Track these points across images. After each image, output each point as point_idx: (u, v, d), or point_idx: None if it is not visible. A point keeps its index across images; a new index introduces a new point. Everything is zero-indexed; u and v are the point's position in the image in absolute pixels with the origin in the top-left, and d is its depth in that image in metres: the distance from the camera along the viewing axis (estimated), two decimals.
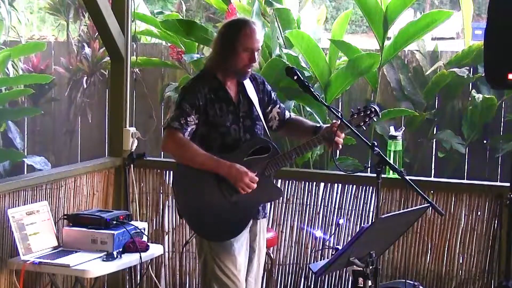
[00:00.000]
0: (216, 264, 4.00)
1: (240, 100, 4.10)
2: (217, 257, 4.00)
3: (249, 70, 4.05)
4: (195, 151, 3.94)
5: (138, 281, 5.55)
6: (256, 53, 4.02)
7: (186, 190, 3.99)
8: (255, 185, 3.97)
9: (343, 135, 4.05)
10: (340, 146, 4.06)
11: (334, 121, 4.08)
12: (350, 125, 3.95)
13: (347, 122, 3.95)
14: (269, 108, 4.25)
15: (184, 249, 5.62)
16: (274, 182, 4.34)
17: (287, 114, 4.33)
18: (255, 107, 4.13)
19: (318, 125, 4.22)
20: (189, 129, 3.97)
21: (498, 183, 6.17)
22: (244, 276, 4.09)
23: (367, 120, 4.06)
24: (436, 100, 7.84)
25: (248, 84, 4.15)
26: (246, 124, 4.10)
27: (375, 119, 4.08)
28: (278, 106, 4.29)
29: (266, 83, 4.28)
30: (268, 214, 4.36)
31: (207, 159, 3.94)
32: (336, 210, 5.44)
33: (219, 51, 4.05)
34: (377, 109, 4.09)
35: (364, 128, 4.09)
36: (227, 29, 4.09)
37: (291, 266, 5.53)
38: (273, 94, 4.29)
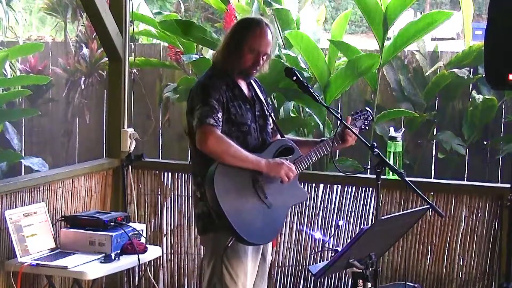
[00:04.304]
0: (227, 271, 3.90)
1: (253, 98, 4.06)
2: (229, 264, 3.90)
3: (253, 72, 3.97)
4: (236, 146, 3.81)
5: (136, 283, 5.52)
6: (263, 56, 3.94)
7: (227, 192, 3.79)
8: (295, 172, 3.91)
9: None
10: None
11: (347, 116, 4.16)
12: (350, 128, 3.99)
13: (349, 125, 4.00)
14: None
15: (183, 250, 5.61)
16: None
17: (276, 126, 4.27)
18: (266, 107, 4.10)
19: (320, 139, 4.22)
20: (221, 125, 3.85)
21: (499, 185, 6.17)
22: (251, 285, 4.01)
23: (366, 124, 4.22)
24: (436, 101, 7.83)
25: (254, 84, 4.12)
26: (260, 123, 4.05)
27: (371, 123, 4.26)
28: (272, 113, 4.24)
29: (264, 88, 4.24)
30: None
31: (248, 155, 3.83)
32: (335, 211, 5.41)
33: (226, 47, 3.98)
34: (370, 112, 4.27)
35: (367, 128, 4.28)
36: (238, 26, 4.05)
37: (290, 267, 5.50)
38: (269, 100, 4.26)
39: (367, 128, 4.28)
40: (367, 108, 4.25)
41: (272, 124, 4.15)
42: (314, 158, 4.07)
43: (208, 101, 3.83)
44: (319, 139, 4.22)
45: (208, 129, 3.78)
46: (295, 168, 3.97)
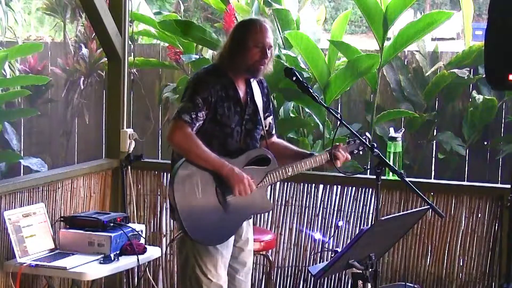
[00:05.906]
0: (197, 264, 3.96)
1: (247, 102, 4.06)
2: (199, 256, 3.96)
3: (262, 67, 3.98)
4: (202, 147, 3.86)
5: (136, 284, 5.52)
6: (268, 50, 3.97)
7: (185, 188, 3.86)
8: (249, 191, 3.92)
9: (347, 155, 4.09)
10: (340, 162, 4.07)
11: (337, 144, 4.14)
12: (350, 128, 3.97)
13: (347, 124, 3.96)
14: (266, 115, 4.20)
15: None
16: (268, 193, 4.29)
17: (274, 130, 4.29)
18: (259, 112, 4.10)
19: (310, 152, 4.22)
20: (197, 124, 3.89)
21: (499, 185, 6.16)
22: (226, 277, 4.04)
23: (360, 149, 4.15)
24: (436, 101, 7.82)
25: (255, 87, 4.11)
26: (247, 127, 4.06)
27: (366, 149, 4.12)
28: (271, 117, 4.25)
29: (269, 90, 4.25)
30: (253, 217, 4.32)
31: (213, 157, 3.87)
32: (335, 212, 5.41)
33: (230, 49, 4.00)
34: (370, 138, 4.13)
35: (361, 153, 4.20)
36: (238, 27, 4.10)
37: (290, 268, 5.50)
38: (271, 104, 4.26)
39: (360, 153, 4.20)
40: (367, 134, 4.13)
41: (262, 129, 4.14)
42: (290, 173, 4.05)
43: (194, 97, 3.89)
44: (308, 152, 4.20)
45: (180, 124, 3.85)
46: (261, 184, 3.99)
